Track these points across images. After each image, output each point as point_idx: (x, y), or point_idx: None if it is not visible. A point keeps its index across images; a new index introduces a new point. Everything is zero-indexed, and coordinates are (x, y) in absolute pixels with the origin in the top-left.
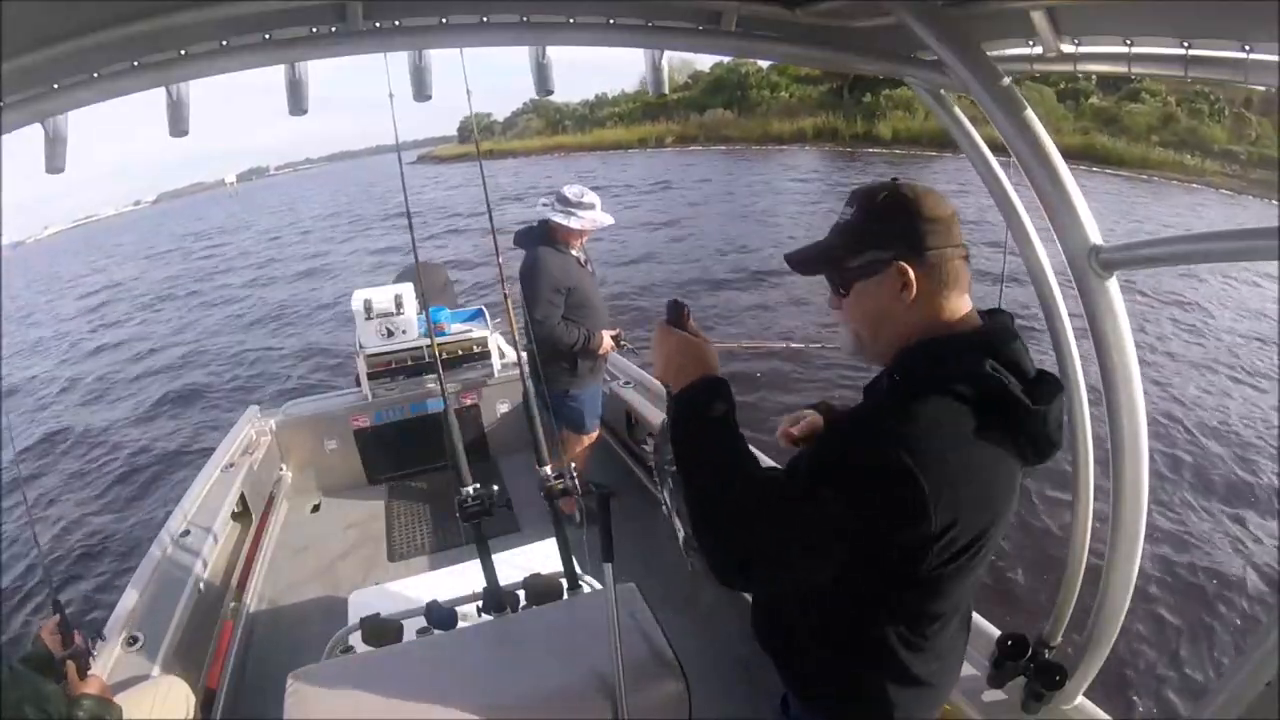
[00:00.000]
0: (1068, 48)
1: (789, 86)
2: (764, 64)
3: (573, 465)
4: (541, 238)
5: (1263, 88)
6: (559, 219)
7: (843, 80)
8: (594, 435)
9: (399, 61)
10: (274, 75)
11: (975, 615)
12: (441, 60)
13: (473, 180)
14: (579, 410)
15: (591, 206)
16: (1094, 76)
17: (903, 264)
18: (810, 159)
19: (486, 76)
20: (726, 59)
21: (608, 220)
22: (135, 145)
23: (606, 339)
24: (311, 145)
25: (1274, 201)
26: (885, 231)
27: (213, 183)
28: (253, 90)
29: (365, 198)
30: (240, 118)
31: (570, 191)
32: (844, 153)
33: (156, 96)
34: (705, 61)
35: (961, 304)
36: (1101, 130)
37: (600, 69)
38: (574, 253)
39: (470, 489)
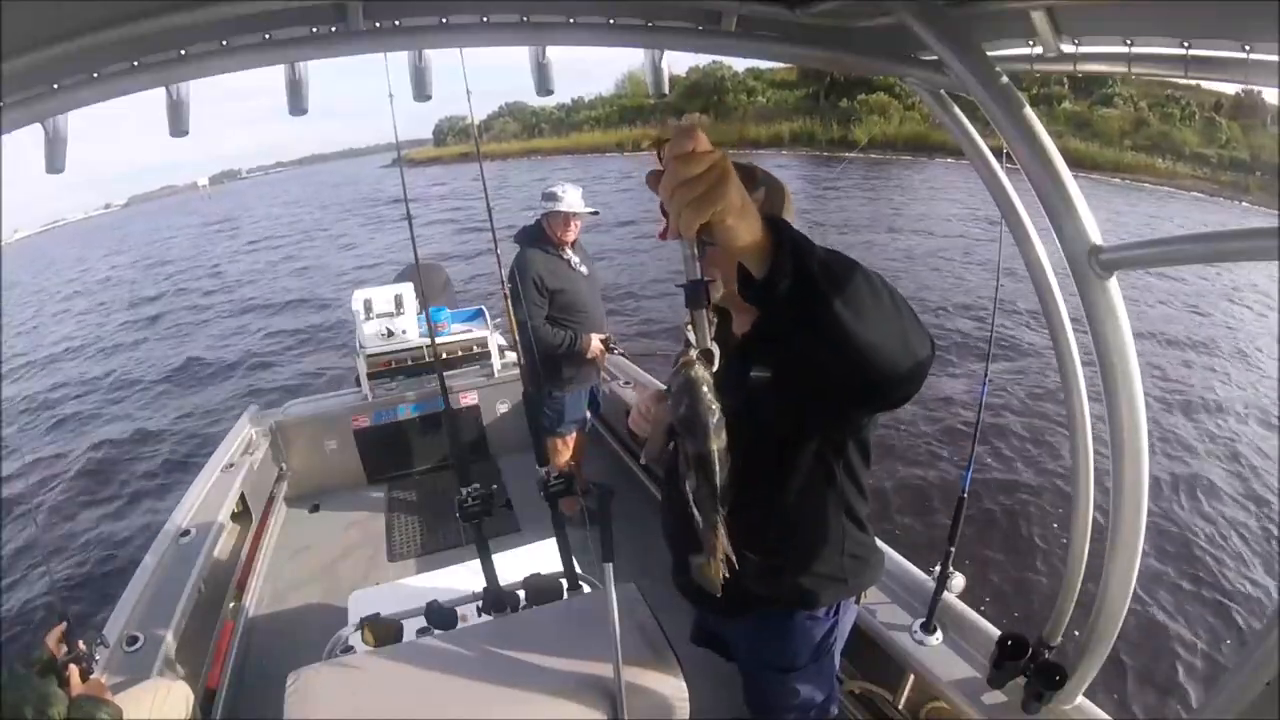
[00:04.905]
0: (1068, 48)
1: (765, 91)
2: (740, 69)
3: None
4: (531, 237)
5: (1230, 89)
6: (541, 214)
7: (819, 85)
8: (570, 439)
9: (397, 62)
10: (245, 79)
11: (975, 615)
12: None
13: (440, 180)
14: (557, 412)
15: (559, 197)
16: (1066, 80)
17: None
18: (787, 163)
19: (459, 79)
20: (703, 63)
21: (580, 208)
22: (103, 149)
23: (595, 343)
24: (281, 149)
25: (1244, 203)
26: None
27: (184, 186)
28: (223, 95)
29: (351, 200)
30: (209, 122)
31: (545, 189)
32: (821, 157)
33: (130, 99)
34: (681, 66)
35: None
36: (1074, 134)
37: (578, 72)
38: (567, 254)
39: (470, 489)
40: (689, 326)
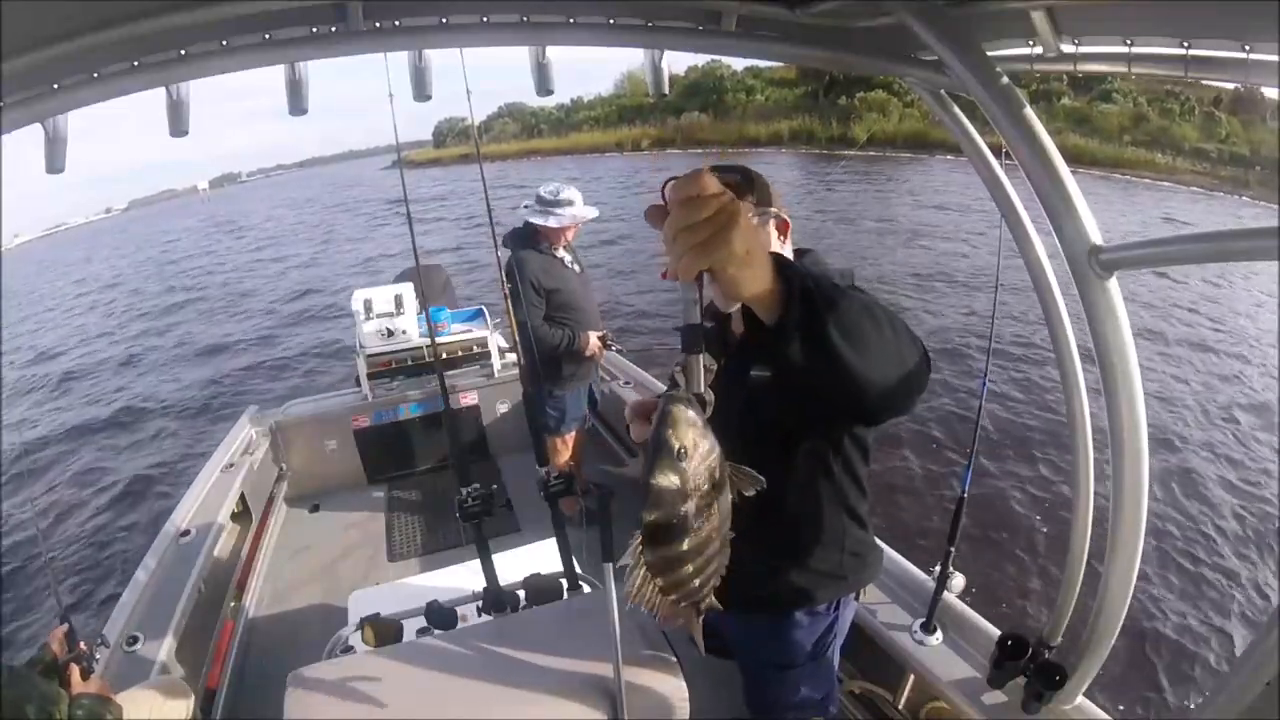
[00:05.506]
0: (1068, 48)
1: (765, 90)
2: (739, 67)
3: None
4: (524, 240)
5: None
6: (537, 220)
7: (818, 83)
8: (570, 438)
9: (397, 62)
10: (245, 79)
11: (975, 615)
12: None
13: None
14: (559, 411)
15: (569, 203)
16: (1065, 77)
17: (784, 217)
18: (787, 161)
19: (458, 79)
20: (702, 62)
21: (588, 214)
22: (102, 153)
23: (593, 340)
24: (281, 151)
25: (1243, 197)
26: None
27: (184, 190)
28: (224, 96)
29: (353, 201)
30: (209, 122)
31: (545, 191)
32: (820, 155)
33: (127, 102)
34: (680, 65)
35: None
36: (1074, 130)
37: (577, 73)
38: (559, 253)
39: (470, 489)
40: (679, 370)
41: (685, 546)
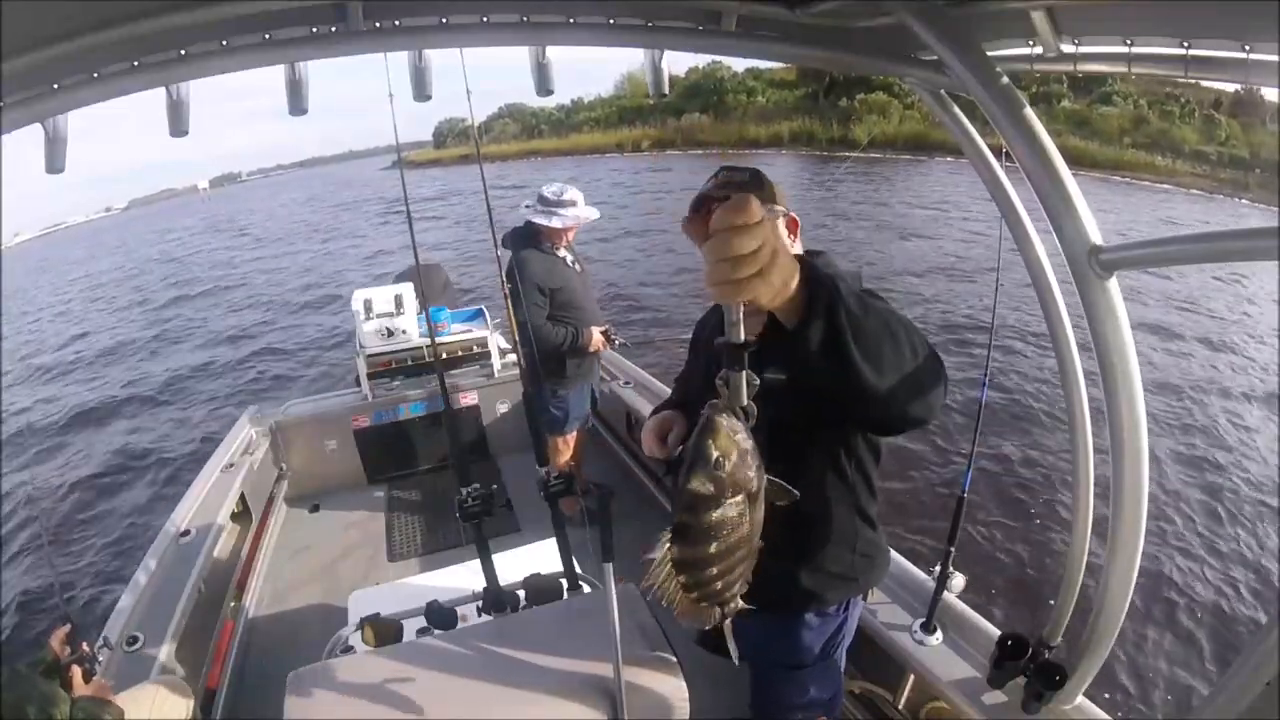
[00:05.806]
0: (1068, 48)
1: (765, 91)
2: (739, 69)
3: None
4: (525, 239)
5: (1230, 85)
6: (540, 220)
7: (818, 84)
8: (572, 437)
9: (397, 62)
10: (245, 79)
11: (975, 615)
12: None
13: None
14: (563, 410)
15: (572, 204)
16: (1065, 79)
17: (793, 215)
18: (787, 162)
19: (458, 79)
20: (702, 63)
21: (590, 215)
22: (102, 153)
23: (596, 335)
24: (281, 151)
25: (1242, 200)
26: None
27: (184, 189)
28: (224, 96)
29: (352, 201)
30: (209, 122)
31: (549, 191)
32: (820, 156)
33: (127, 102)
34: (680, 66)
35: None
36: (1074, 133)
37: (577, 73)
38: (560, 253)
39: (470, 489)
40: (721, 383)
41: (712, 550)
